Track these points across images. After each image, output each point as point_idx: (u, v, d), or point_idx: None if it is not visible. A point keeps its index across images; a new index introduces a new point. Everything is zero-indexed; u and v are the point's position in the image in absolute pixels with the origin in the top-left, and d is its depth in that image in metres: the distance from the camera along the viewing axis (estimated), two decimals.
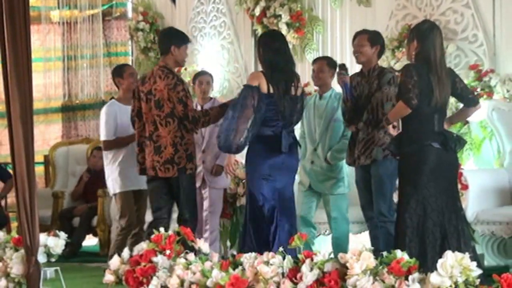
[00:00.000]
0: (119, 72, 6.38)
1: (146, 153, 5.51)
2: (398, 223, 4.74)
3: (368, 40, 5.45)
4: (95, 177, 8.25)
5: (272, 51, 5.28)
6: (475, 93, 6.44)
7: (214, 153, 6.38)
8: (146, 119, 5.51)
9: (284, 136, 5.20)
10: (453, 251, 3.53)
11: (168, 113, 5.41)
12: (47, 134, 10.84)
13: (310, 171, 5.96)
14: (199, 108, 6.41)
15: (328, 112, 5.88)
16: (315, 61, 6.13)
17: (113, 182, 6.26)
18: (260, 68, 5.47)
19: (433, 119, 4.73)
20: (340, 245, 5.77)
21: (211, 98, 6.57)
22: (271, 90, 5.18)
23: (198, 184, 6.07)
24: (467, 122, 6.56)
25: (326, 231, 6.41)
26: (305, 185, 6.02)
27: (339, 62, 6.05)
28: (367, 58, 5.45)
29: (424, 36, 4.76)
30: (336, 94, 5.95)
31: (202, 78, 6.54)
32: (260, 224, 5.17)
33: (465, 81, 6.50)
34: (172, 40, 5.55)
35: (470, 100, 4.93)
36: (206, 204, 6.43)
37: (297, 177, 5.62)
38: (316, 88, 6.21)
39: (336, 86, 5.85)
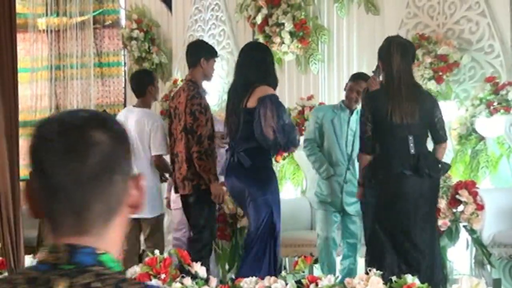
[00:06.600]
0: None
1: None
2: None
3: None
4: None
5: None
6: (491, 107, 6.54)
7: None
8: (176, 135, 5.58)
9: None
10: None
11: (183, 126, 5.46)
12: None
13: (345, 191, 5.97)
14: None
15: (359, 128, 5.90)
16: (365, 78, 5.93)
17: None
18: None
19: (407, 141, 4.80)
20: (354, 270, 5.82)
21: None
22: None
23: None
24: (483, 138, 6.57)
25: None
26: (337, 206, 6.00)
27: (347, 74, 5.99)
28: None
29: (384, 56, 4.86)
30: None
31: None
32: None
33: (481, 95, 6.58)
34: (202, 53, 5.69)
35: (439, 136, 4.98)
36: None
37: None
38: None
39: None
